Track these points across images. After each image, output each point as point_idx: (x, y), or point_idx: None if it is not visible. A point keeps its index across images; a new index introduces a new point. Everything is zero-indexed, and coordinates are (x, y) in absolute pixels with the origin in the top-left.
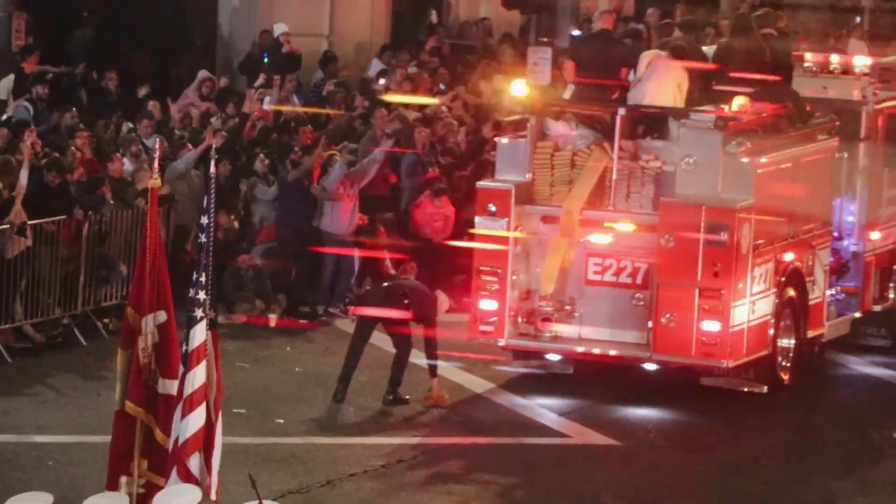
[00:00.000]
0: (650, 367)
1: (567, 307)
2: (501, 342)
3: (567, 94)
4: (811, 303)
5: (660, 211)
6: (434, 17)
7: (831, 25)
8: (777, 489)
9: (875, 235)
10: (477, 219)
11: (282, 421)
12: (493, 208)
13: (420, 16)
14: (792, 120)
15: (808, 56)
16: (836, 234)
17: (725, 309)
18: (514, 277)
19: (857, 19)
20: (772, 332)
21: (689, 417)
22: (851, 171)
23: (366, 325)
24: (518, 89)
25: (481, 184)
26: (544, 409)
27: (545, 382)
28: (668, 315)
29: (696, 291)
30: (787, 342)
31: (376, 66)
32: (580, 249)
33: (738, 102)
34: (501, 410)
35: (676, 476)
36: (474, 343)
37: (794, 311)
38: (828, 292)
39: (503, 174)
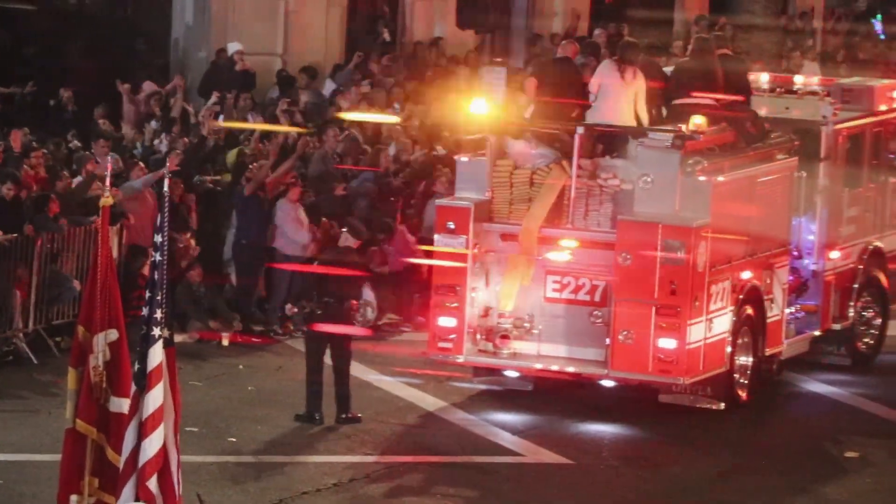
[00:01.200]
0: (608, 383)
1: (526, 324)
2: (460, 359)
3: (527, 114)
4: (769, 321)
5: (617, 229)
6: (387, 36)
7: (784, 47)
8: None
9: (835, 255)
10: (436, 236)
11: (234, 439)
12: (451, 226)
13: (373, 35)
14: (750, 139)
15: (764, 77)
16: (795, 252)
17: (682, 326)
18: (473, 295)
19: (810, 41)
20: (729, 349)
21: (644, 435)
22: (811, 190)
23: (320, 340)
24: (478, 108)
25: (440, 201)
26: (498, 427)
27: (500, 400)
28: (625, 332)
29: (653, 309)
30: (744, 360)
31: (329, 85)
32: (539, 267)
33: (696, 121)
34: (455, 428)
35: (629, 495)
36: (433, 360)
37: (752, 328)
38: (787, 311)
39: (463, 192)
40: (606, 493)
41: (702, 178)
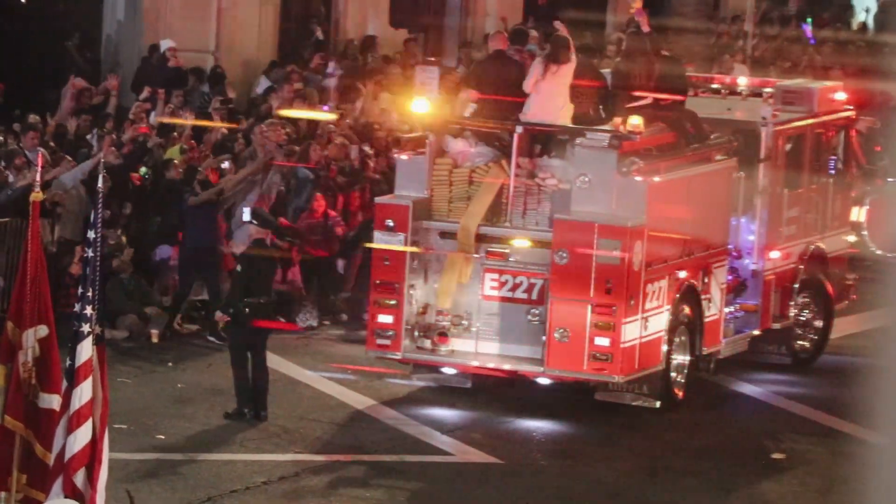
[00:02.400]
0: (544, 381)
1: (464, 322)
2: (398, 356)
3: (468, 113)
4: (707, 320)
5: (553, 228)
6: (320, 35)
7: (714, 50)
8: None
9: (775, 255)
10: (375, 233)
11: (163, 437)
12: (390, 223)
13: (306, 33)
14: (689, 140)
15: (715, 78)
16: (735, 253)
17: (617, 325)
18: (412, 292)
19: (740, 44)
20: (665, 347)
21: (576, 433)
22: (751, 191)
23: (244, 337)
24: (419, 106)
25: (380, 199)
26: (429, 426)
27: (432, 399)
28: (560, 330)
29: (589, 308)
30: (681, 358)
31: (263, 82)
32: (477, 265)
33: (633, 122)
34: (385, 427)
35: (556, 496)
36: (370, 357)
37: (689, 327)
38: (726, 310)
39: (402, 190)
40: (534, 493)
41: (638, 179)
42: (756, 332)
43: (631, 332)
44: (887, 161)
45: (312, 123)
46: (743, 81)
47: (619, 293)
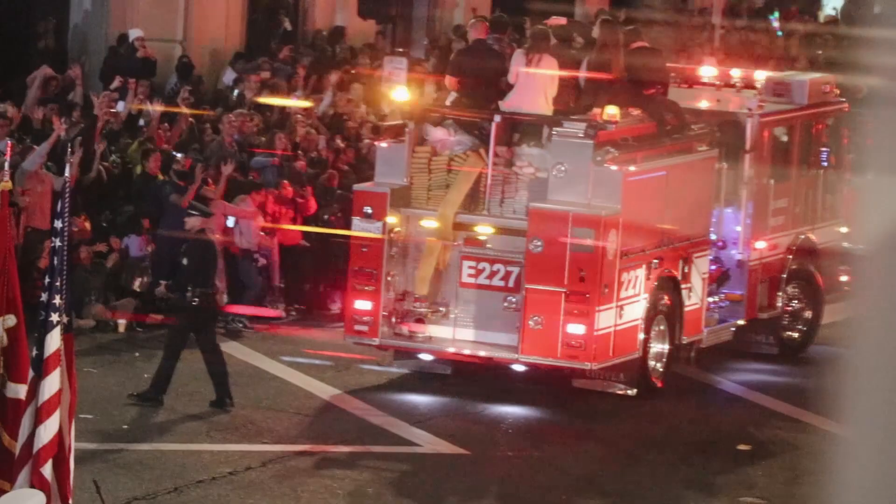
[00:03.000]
0: (519, 368)
1: (441, 309)
2: (375, 342)
3: (448, 102)
4: (687, 309)
5: (528, 217)
6: (288, 26)
7: (683, 42)
8: (614, 500)
9: (761, 245)
10: (353, 220)
11: (128, 427)
12: (368, 210)
13: (274, 23)
14: (669, 131)
15: (706, 70)
16: (720, 243)
17: (590, 313)
18: (390, 279)
19: (708, 36)
20: (642, 336)
21: (546, 424)
22: (736, 181)
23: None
24: (399, 95)
25: (358, 186)
26: (395, 416)
27: (400, 389)
28: (535, 318)
29: (563, 295)
30: (660, 347)
31: (230, 73)
32: (455, 252)
33: (609, 112)
34: (351, 418)
35: (522, 486)
36: (340, 345)
37: (668, 316)
38: (710, 299)
39: (382, 177)
40: (500, 484)
41: (613, 168)
42: (741, 322)
43: (605, 319)
44: (855, 155)
45: (281, 113)
46: (737, 73)
47: (593, 281)
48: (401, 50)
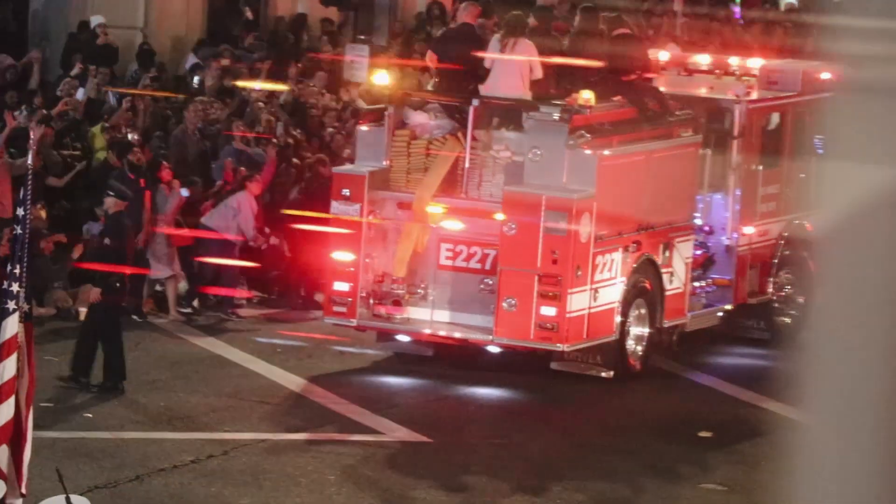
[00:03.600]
0: (494, 349)
1: (419, 290)
2: (353, 323)
3: (429, 86)
4: (668, 293)
5: (503, 200)
6: (249, 14)
7: (645, 29)
8: (574, 487)
9: (749, 231)
10: (332, 203)
11: (90, 415)
12: (346, 193)
13: (235, 11)
14: (651, 116)
15: (704, 58)
16: (706, 228)
17: (563, 295)
18: (368, 260)
19: (670, 23)
20: (619, 318)
21: (509, 410)
22: (724, 167)
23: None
24: (380, 79)
25: (337, 169)
26: (358, 404)
27: (361, 377)
28: (509, 300)
29: (536, 278)
30: (639, 330)
31: (192, 60)
32: (433, 235)
33: (584, 96)
34: (315, 406)
35: (483, 475)
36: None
37: (648, 300)
38: (697, 284)
39: (362, 161)
40: (461, 472)
41: (587, 152)
42: (729, 307)
43: (578, 302)
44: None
45: (242, 101)
46: (734, 61)
47: (566, 264)
48: (362, 37)
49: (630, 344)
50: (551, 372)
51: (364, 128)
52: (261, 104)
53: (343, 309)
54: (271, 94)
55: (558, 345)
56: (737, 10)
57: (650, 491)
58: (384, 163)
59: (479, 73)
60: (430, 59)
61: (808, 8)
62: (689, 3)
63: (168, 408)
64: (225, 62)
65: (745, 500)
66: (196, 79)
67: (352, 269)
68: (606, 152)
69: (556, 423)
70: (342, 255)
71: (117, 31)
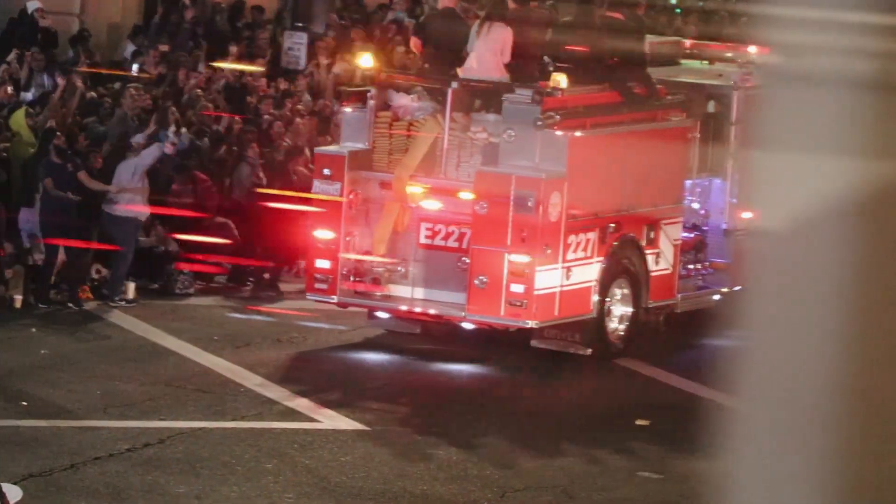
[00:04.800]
0: (468, 326)
1: (399, 268)
2: (334, 300)
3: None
4: (654, 274)
5: (474, 179)
6: (187, 1)
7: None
8: (508, 475)
9: (748, 215)
10: (314, 182)
11: (26, 403)
12: (327, 172)
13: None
14: (636, 100)
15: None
16: (702, 212)
17: (530, 273)
18: (348, 239)
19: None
20: (596, 297)
21: (449, 398)
22: (724, 153)
23: None
24: (365, 61)
25: (319, 149)
26: (296, 393)
27: (300, 365)
28: (481, 278)
29: (505, 256)
30: (623, 310)
31: (129, 46)
32: (414, 214)
33: (556, 78)
34: (251, 394)
35: (416, 465)
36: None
37: (631, 280)
38: (690, 266)
39: (346, 141)
40: (396, 462)
41: (558, 133)
42: (725, 290)
43: (547, 279)
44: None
45: (176, 88)
46: (753, 50)
47: (533, 242)
48: (300, 25)
49: (612, 323)
50: (502, 357)
51: (348, 109)
52: (199, 91)
53: (324, 286)
54: (209, 81)
55: (527, 321)
56: None
57: (586, 479)
58: (366, 144)
59: (462, 55)
60: (415, 45)
61: None
62: None
63: (104, 396)
64: (163, 48)
65: (680, 489)
66: (135, 66)
67: (332, 247)
68: (578, 133)
69: (493, 411)
70: (323, 234)
71: (54, 17)
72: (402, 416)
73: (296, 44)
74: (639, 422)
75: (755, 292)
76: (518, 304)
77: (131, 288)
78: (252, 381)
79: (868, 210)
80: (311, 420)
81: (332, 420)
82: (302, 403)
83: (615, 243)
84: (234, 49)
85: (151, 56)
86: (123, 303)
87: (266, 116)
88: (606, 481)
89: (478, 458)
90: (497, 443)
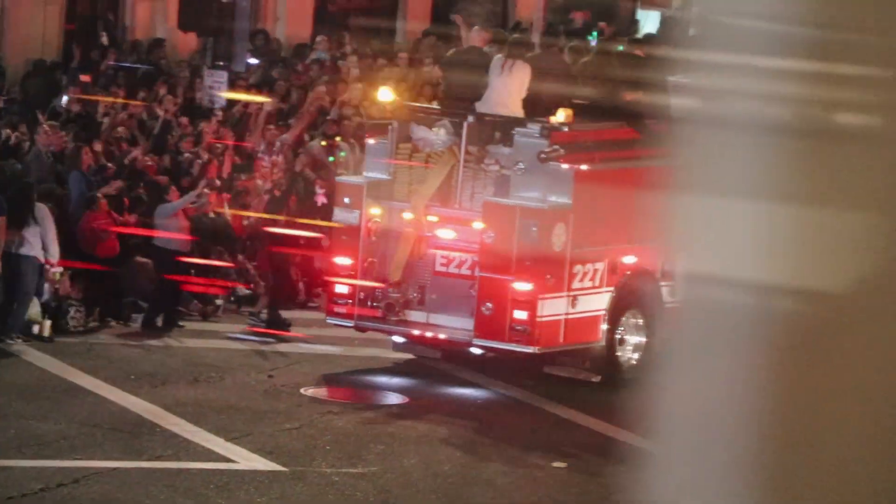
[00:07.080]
0: (476, 351)
1: (415, 294)
2: (351, 324)
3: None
4: (670, 306)
5: (483, 210)
6: (105, 39)
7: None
8: None
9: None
10: (335, 210)
11: None
12: (348, 201)
13: (92, 35)
14: (650, 137)
15: None
16: None
17: (533, 300)
18: (367, 265)
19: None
20: (605, 325)
21: (372, 435)
22: None
23: None
24: (384, 96)
25: (340, 179)
26: (213, 433)
27: (217, 406)
28: (487, 304)
29: (509, 283)
30: (636, 339)
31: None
32: (431, 243)
33: (560, 115)
34: (167, 434)
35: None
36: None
37: (643, 310)
38: None
39: (369, 171)
40: (313, 502)
41: (564, 167)
42: None
43: (552, 307)
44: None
45: (90, 126)
46: None
47: (537, 271)
48: (221, 63)
49: (625, 352)
50: (427, 390)
51: (371, 141)
52: (120, 130)
53: (343, 310)
54: (130, 116)
55: (530, 347)
56: (593, 42)
57: None
58: (388, 174)
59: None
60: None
61: (661, 42)
62: (547, 35)
63: (17, 435)
64: (85, 78)
65: None
66: (57, 102)
67: (351, 273)
68: (584, 167)
69: (411, 452)
70: (342, 260)
71: None
72: (319, 457)
73: (216, 82)
74: (556, 464)
75: (677, 334)
76: (521, 329)
77: (47, 326)
78: (168, 420)
79: (782, 255)
80: (228, 461)
81: (248, 461)
82: (219, 443)
83: (627, 273)
84: (159, 88)
85: (72, 92)
86: (20, 340)
87: (187, 154)
88: None
89: (395, 499)
90: (416, 483)
